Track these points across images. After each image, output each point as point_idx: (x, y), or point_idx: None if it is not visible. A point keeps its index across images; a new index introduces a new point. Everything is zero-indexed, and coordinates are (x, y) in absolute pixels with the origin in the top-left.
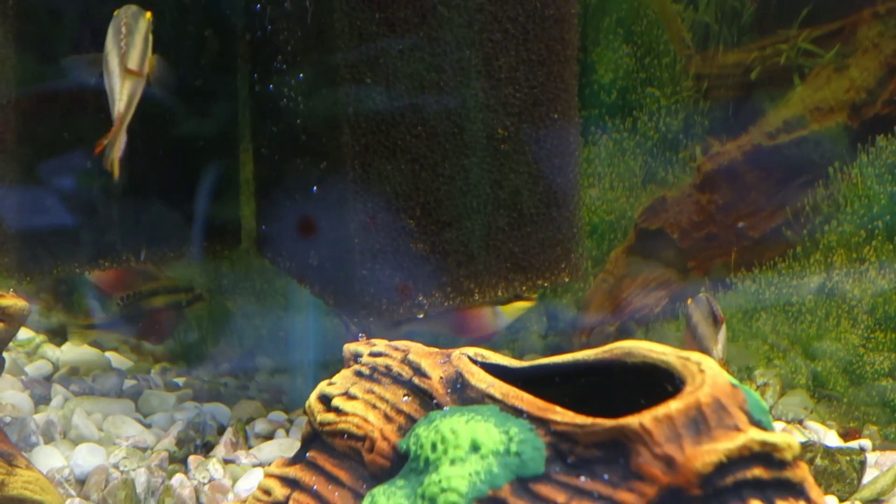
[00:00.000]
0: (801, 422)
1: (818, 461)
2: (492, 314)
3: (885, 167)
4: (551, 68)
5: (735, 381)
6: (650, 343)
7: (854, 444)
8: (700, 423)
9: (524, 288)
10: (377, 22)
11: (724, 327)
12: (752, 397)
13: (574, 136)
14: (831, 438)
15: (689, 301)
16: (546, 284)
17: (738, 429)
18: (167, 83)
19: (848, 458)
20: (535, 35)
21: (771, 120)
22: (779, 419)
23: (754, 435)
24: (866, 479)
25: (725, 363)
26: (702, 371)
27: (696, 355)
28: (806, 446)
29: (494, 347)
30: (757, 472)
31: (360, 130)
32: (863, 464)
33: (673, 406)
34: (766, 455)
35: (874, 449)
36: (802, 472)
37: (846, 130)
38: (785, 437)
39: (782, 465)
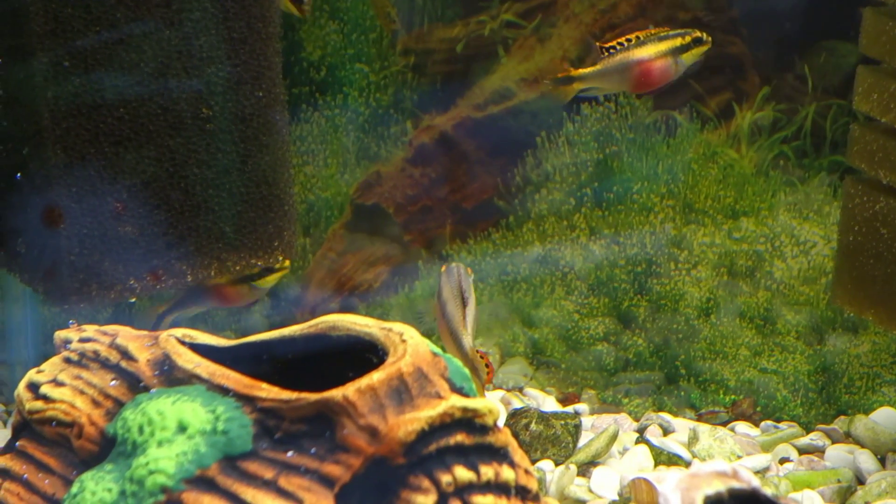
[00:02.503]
0: (521, 389)
1: (533, 426)
2: (248, 288)
3: (590, 135)
4: (253, 46)
5: (437, 350)
6: (353, 316)
7: (570, 408)
8: (402, 393)
9: (238, 268)
10: (72, 4)
11: (472, 305)
12: (454, 365)
13: (281, 114)
14: (550, 404)
15: (443, 269)
16: (260, 263)
17: (439, 396)
18: None
19: (563, 422)
20: (236, 13)
21: (478, 92)
22: (499, 387)
23: (455, 402)
24: (582, 442)
25: (479, 349)
26: (403, 341)
27: (398, 325)
28: (520, 412)
29: (216, 328)
30: (459, 437)
31: (60, 114)
32: (577, 427)
33: (375, 377)
34: (468, 421)
35: (591, 413)
36: (505, 437)
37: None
38: (485, 402)
39: (484, 430)
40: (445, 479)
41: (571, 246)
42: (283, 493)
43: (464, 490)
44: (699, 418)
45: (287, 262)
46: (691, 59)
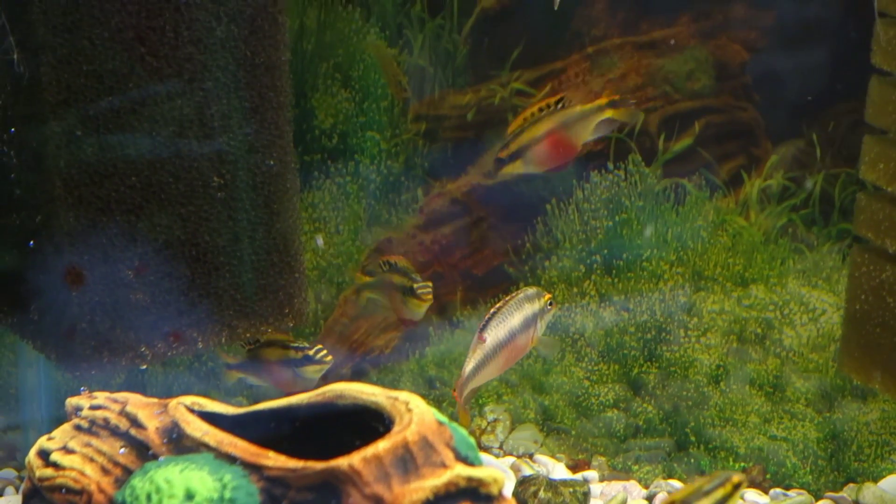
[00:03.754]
0: (531, 456)
1: (542, 494)
2: (292, 375)
3: (600, 202)
4: (265, 115)
5: (443, 419)
6: (360, 384)
7: (579, 475)
8: (408, 462)
9: (248, 335)
10: (85, 74)
11: (483, 346)
12: (459, 434)
13: (292, 182)
14: (560, 471)
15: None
16: (270, 330)
17: (444, 465)
18: None
19: (571, 489)
20: (248, 83)
21: (488, 160)
22: (510, 454)
23: (460, 471)
24: None
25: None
26: (409, 410)
27: (404, 395)
28: (529, 479)
29: (228, 396)
30: None
31: (73, 183)
32: (586, 494)
33: (381, 446)
34: (473, 490)
35: (601, 480)
36: None
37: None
38: (490, 471)
39: (489, 499)
40: None
41: (581, 312)
42: None
43: None
44: None
45: (329, 358)
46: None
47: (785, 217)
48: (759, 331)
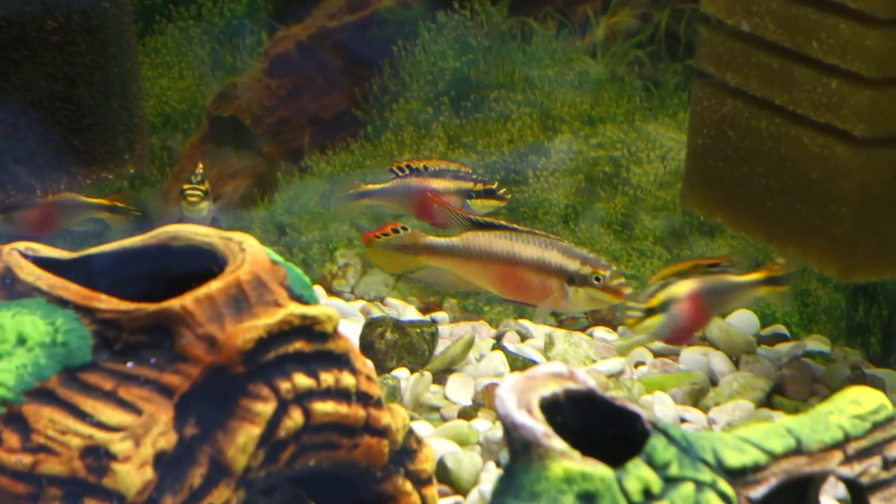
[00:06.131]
0: (382, 300)
1: (388, 335)
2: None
3: (446, 43)
4: None
5: (277, 258)
6: (194, 226)
7: (428, 317)
8: (241, 301)
9: (88, 181)
10: None
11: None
12: (294, 272)
13: (129, 25)
14: (411, 314)
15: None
16: (111, 176)
17: (278, 304)
18: None
19: (419, 330)
20: None
21: (333, 1)
22: (360, 298)
23: (294, 309)
24: (439, 350)
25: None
26: (243, 250)
27: (238, 235)
28: (376, 321)
29: (77, 245)
30: (299, 345)
31: None
32: (434, 335)
33: (213, 286)
34: (307, 328)
35: (452, 321)
36: (346, 344)
37: (407, 9)
38: (324, 309)
39: (324, 337)
40: (285, 386)
41: (430, 156)
42: (122, 403)
43: (304, 397)
44: (559, 324)
45: (508, 196)
46: (480, 207)
47: (631, 55)
48: (607, 169)
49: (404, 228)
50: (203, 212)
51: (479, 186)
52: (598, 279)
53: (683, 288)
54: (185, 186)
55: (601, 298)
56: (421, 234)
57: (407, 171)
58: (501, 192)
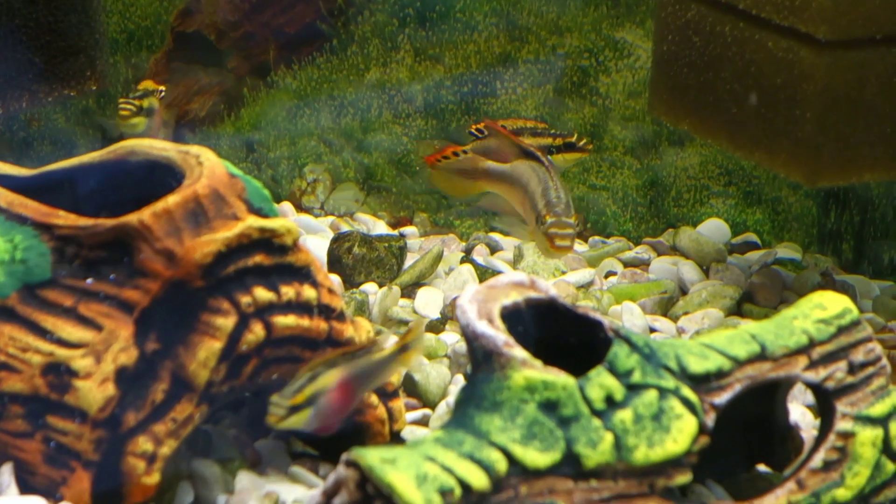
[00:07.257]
0: (351, 215)
1: (356, 250)
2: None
3: None
4: None
5: (235, 171)
6: (151, 140)
7: (396, 231)
8: (199, 215)
9: (49, 99)
10: None
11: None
12: (252, 185)
13: None
14: (381, 228)
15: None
16: (73, 94)
17: (236, 217)
18: None
19: (386, 244)
20: None
21: None
22: (330, 213)
23: (252, 222)
24: (407, 264)
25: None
26: (200, 163)
27: (195, 148)
28: (343, 236)
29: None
30: (258, 258)
31: None
32: (402, 249)
33: (171, 200)
34: (267, 241)
35: (421, 236)
36: (306, 257)
37: None
38: (283, 221)
39: (283, 250)
40: (245, 300)
41: (397, 68)
42: (82, 319)
43: (264, 310)
44: None
45: (590, 146)
46: (562, 162)
47: None
48: (574, 79)
49: (465, 152)
50: (137, 127)
51: (559, 141)
52: (542, 223)
53: (330, 379)
54: (120, 101)
55: (541, 241)
56: (480, 158)
57: (486, 133)
58: (582, 143)
